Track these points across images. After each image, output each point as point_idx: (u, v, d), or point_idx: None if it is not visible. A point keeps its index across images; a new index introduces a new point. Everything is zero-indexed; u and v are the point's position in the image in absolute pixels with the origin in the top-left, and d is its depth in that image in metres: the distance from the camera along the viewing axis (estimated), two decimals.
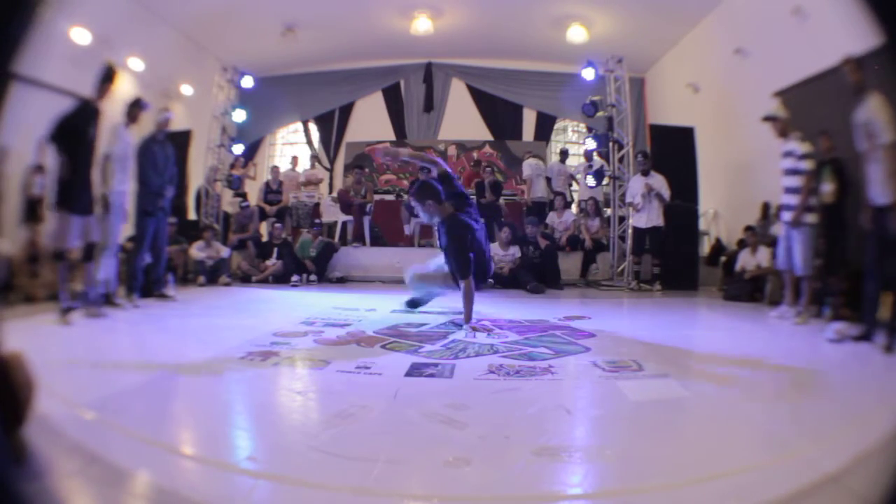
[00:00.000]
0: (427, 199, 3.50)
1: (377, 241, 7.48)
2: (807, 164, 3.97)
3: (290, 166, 8.79)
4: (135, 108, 4.30)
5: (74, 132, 3.62)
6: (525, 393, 2.12)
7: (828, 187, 4.17)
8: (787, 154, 4.05)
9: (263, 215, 7.71)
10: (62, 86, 5.29)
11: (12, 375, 1.28)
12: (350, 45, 8.84)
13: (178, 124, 5.62)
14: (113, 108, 4.09)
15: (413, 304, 4.10)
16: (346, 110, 10.07)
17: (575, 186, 8.56)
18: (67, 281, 3.63)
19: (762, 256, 5.33)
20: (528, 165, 8.15)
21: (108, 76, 3.89)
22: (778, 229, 4.29)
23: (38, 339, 2.93)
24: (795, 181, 4.00)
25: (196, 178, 7.73)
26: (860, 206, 3.33)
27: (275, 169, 8.41)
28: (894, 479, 1.04)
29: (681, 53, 8.46)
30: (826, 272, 4.22)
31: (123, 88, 4.15)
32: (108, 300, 4.04)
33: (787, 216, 4.09)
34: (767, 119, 4.18)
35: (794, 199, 4.01)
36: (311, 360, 2.61)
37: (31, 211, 4.75)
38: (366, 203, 7.50)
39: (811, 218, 3.98)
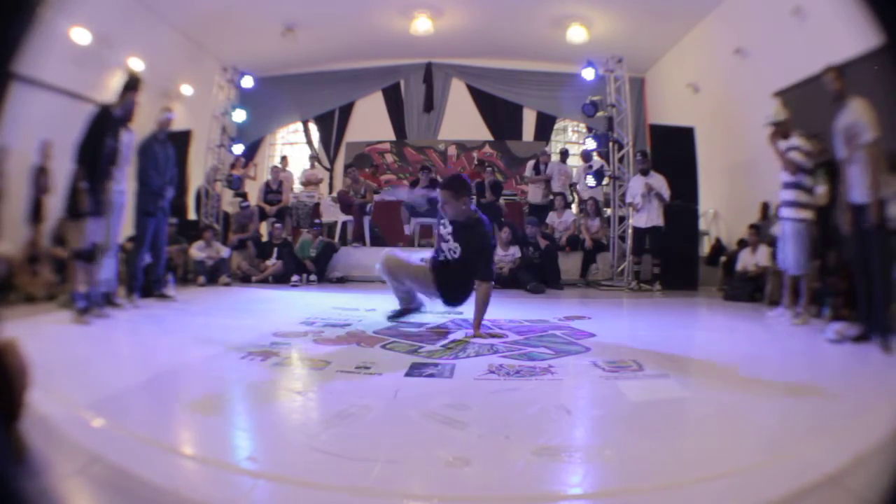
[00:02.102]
0: (464, 196, 3.21)
1: (377, 242, 7.48)
2: (797, 155, 3.98)
3: (280, 166, 8.71)
4: (128, 90, 3.98)
5: (95, 145, 3.63)
6: (525, 393, 2.12)
7: (821, 189, 4.19)
8: (791, 150, 4.06)
9: (263, 215, 7.71)
10: (62, 86, 5.31)
11: (7, 362, 1.28)
12: (350, 45, 8.84)
13: (178, 124, 5.61)
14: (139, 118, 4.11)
15: (399, 315, 3.60)
16: (346, 110, 10.07)
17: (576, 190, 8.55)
18: (84, 280, 3.63)
19: (762, 255, 5.33)
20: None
21: (130, 85, 3.89)
22: (777, 229, 4.29)
23: (37, 339, 2.93)
24: (797, 177, 4.01)
25: (196, 178, 7.74)
26: (842, 208, 3.36)
27: (275, 169, 8.40)
28: (894, 479, 1.04)
29: (681, 53, 8.46)
30: (824, 272, 4.23)
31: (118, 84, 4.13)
32: (108, 300, 4.04)
33: (782, 213, 4.09)
34: (770, 125, 4.19)
35: (792, 195, 4.02)
36: (311, 360, 2.61)
37: (36, 211, 4.76)
38: (366, 203, 7.50)
39: (805, 214, 3.98)
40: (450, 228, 3.28)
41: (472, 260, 3.21)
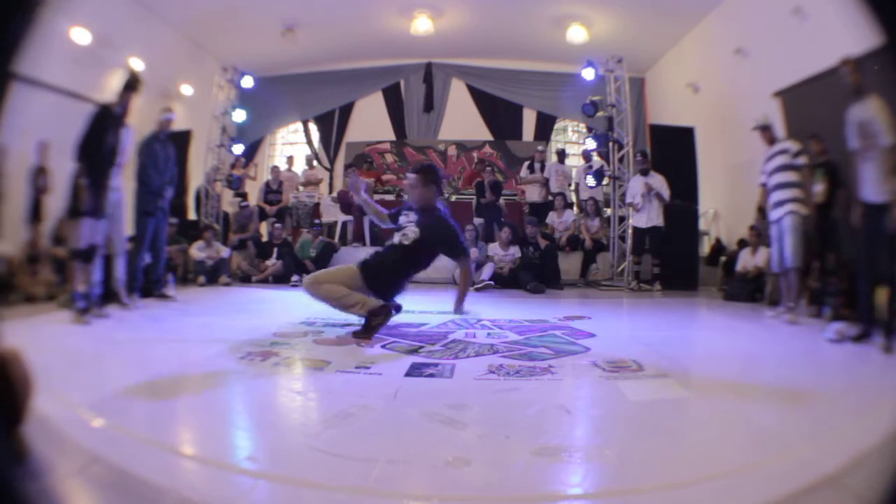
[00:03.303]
0: (431, 183, 3.41)
1: (377, 241, 7.48)
2: (803, 159, 3.99)
3: (286, 166, 8.75)
4: (128, 90, 3.98)
5: (96, 144, 3.63)
6: (525, 393, 2.12)
7: (819, 187, 4.20)
8: (780, 152, 4.07)
9: (263, 215, 7.71)
10: (62, 86, 5.30)
11: (9, 372, 1.28)
12: (350, 45, 8.85)
13: (178, 124, 5.61)
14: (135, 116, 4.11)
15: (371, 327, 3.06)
16: (346, 110, 10.07)
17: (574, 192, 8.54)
18: (84, 280, 3.63)
19: (761, 257, 5.33)
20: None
21: (131, 84, 3.91)
22: (773, 230, 4.29)
23: (38, 338, 2.93)
24: (788, 177, 4.01)
25: (196, 178, 7.74)
26: (851, 204, 3.35)
27: (275, 169, 8.41)
28: (894, 479, 1.04)
29: (681, 53, 8.47)
30: (824, 272, 4.24)
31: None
32: (115, 299, 4.06)
33: (775, 213, 4.09)
34: (757, 129, 4.21)
35: (784, 195, 4.03)
36: (311, 360, 2.61)
37: (35, 211, 4.77)
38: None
39: (800, 208, 3.99)
40: (413, 217, 3.42)
41: (430, 242, 3.32)
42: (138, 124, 4.40)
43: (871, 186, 3.13)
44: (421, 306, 4.18)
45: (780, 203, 4.05)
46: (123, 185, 4.23)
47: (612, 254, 7.10)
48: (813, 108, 4.92)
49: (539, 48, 8.92)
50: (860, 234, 3.24)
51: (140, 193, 4.58)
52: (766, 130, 4.18)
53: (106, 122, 3.74)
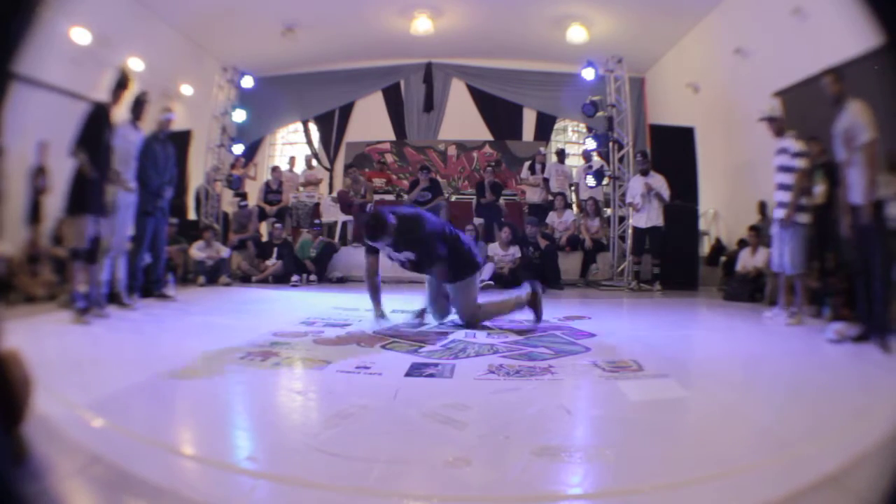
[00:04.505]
0: (382, 232, 3.21)
1: None
2: (799, 162, 3.97)
3: (287, 167, 8.75)
4: (140, 105, 4.31)
5: (93, 139, 3.64)
6: (525, 393, 2.12)
7: (819, 189, 4.18)
8: (782, 151, 4.05)
9: (263, 215, 7.71)
10: (62, 86, 5.30)
11: (9, 373, 1.28)
12: (350, 45, 8.84)
13: (178, 124, 5.61)
14: (119, 108, 4.13)
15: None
16: (346, 110, 10.06)
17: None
18: (84, 280, 3.63)
19: (761, 257, 5.32)
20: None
21: (122, 82, 3.94)
22: (774, 229, 4.29)
23: (38, 338, 2.93)
24: (788, 178, 4.01)
25: (196, 178, 7.74)
26: (841, 210, 3.36)
27: (276, 169, 8.40)
28: (894, 479, 1.04)
29: (681, 53, 8.46)
30: (824, 272, 4.23)
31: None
32: (117, 299, 4.06)
33: (779, 213, 4.09)
34: (764, 120, 4.19)
35: (786, 196, 4.01)
36: (311, 360, 2.61)
37: (35, 211, 4.77)
38: (366, 203, 7.50)
39: (803, 218, 3.97)
40: (390, 250, 3.34)
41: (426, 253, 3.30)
42: (142, 123, 4.43)
43: (856, 190, 3.16)
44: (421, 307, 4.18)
45: (783, 205, 4.04)
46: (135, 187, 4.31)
47: (612, 254, 7.10)
48: (813, 108, 4.91)
49: (539, 48, 8.91)
50: (853, 237, 3.26)
51: (140, 193, 4.58)
52: (773, 122, 4.11)
53: (100, 121, 3.75)
